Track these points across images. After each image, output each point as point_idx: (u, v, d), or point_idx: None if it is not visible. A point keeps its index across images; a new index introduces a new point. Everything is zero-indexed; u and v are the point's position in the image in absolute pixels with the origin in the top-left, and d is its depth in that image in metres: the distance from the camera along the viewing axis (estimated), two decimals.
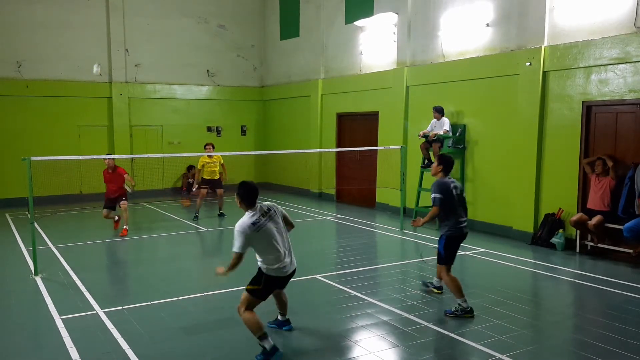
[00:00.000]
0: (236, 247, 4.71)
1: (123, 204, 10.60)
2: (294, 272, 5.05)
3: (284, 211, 5.13)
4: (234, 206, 4.92)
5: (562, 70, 9.14)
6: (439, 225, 6.20)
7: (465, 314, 5.84)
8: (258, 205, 4.91)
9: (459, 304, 5.88)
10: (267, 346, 4.68)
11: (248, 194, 4.89)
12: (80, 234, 10.79)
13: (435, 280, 6.71)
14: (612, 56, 8.41)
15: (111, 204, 10.76)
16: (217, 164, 12.40)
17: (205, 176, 12.39)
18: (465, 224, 6.20)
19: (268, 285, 4.91)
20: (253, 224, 4.75)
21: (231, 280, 7.40)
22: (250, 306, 4.85)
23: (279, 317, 5.56)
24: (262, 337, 4.71)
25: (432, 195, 6.12)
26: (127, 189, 10.82)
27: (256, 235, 4.74)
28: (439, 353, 5.04)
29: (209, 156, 12.10)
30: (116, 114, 15.63)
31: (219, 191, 12.47)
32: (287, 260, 4.91)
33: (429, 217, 6.10)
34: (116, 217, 10.94)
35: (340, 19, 14.64)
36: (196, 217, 12.37)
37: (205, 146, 12.24)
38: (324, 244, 10.14)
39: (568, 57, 9.00)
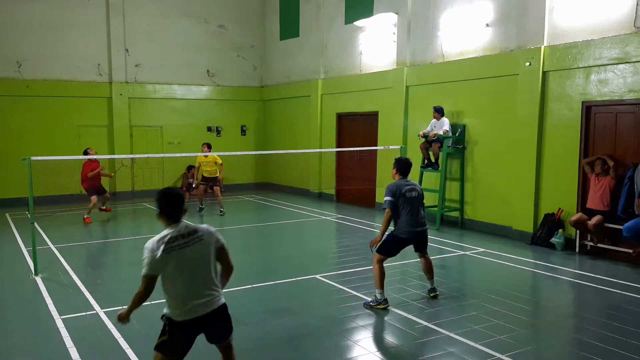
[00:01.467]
0: (143, 269, 3.57)
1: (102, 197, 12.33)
2: (215, 312, 3.66)
3: (224, 244, 3.77)
4: (233, 205, 4.93)
5: (562, 70, 9.15)
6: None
7: (379, 305, 6.07)
8: (184, 223, 3.62)
9: (375, 295, 6.14)
10: None
11: (167, 204, 3.61)
12: (80, 234, 10.79)
13: (429, 284, 6.64)
14: (611, 56, 8.41)
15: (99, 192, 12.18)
16: (213, 163, 12.79)
17: (204, 174, 12.98)
18: (420, 228, 6.24)
19: (173, 334, 3.59)
20: (166, 242, 3.48)
21: (231, 281, 7.42)
22: None
23: None
24: None
25: (384, 198, 6.20)
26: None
27: (164, 260, 3.47)
28: (439, 353, 5.04)
29: (205, 155, 12.45)
30: (116, 114, 15.64)
31: (216, 189, 12.88)
32: (199, 300, 3.57)
33: (383, 226, 6.18)
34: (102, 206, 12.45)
35: (340, 19, 14.65)
36: (200, 209, 13.05)
37: (202, 145, 12.80)
38: (324, 244, 10.15)
39: (568, 57, 9.00)
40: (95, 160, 11.94)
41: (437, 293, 6.56)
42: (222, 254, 3.76)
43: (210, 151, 12.41)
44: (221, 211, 12.72)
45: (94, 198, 11.91)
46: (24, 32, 14.39)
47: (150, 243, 3.54)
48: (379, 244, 6.24)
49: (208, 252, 3.64)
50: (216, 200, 13.10)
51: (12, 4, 14.19)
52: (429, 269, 6.54)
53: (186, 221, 3.68)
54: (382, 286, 6.11)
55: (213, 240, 3.68)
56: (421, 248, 6.51)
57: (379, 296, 6.11)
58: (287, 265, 8.22)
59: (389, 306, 6.11)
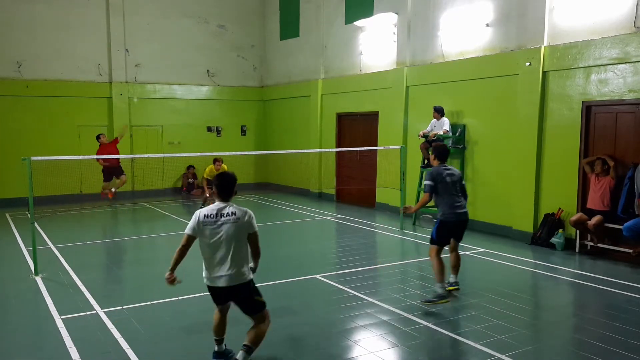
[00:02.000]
0: (187, 228, 4.35)
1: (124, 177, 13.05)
2: (233, 289, 4.30)
3: (256, 232, 4.42)
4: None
5: (562, 70, 9.15)
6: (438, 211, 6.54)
7: (440, 300, 6.03)
8: (230, 204, 4.36)
9: (435, 290, 6.11)
10: (217, 348, 4.69)
11: (219, 184, 4.42)
12: (80, 234, 10.79)
13: (451, 277, 6.74)
14: (611, 56, 8.41)
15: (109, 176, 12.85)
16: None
17: (212, 179, 12.62)
18: (461, 210, 6.40)
19: (210, 292, 4.47)
20: (206, 215, 4.26)
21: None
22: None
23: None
24: (217, 339, 4.67)
25: (424, 182, 6.44)
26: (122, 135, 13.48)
27: (201, 228, 4.27)
28: (439, 353, 5.04)
29: (217, 169, 12.29)
30: (116, 114, 15.64)
31: None
32: (221, 272, 4.28)
33: (419, 204, 6.65)
34: (113, 189, 12.80)
35: (340, 19, 14.65)
36: (203, 205, 12.85)
37: (215, 162, 12.47)
38: (324, 244, 10.14)
39: (568, 57, 9.00)
40: (109, 144, 12.91)
41: (458, 287, 6.66)
42: (252, 239, 4.37)
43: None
44: None
45: (123, 177, 12.99)
46: (24, 32, 14.39)
47: (199, 211, 4.31)
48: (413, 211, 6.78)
49: (239, 233, 4.25)
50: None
51: (12, 4, 14.19)
52: (457, 264, 6.71)
53: (232, 203, 4.35)
54: (443, 279, 6.14)
55: (247, 225, 4.28)
56: (461, 234, 6.62)
57: (440, 290, 6.08)
58: (287, 265, 8.22)
59: (449, 300, 6.12)
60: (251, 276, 4.42)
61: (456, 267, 6.73)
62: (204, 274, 4.35)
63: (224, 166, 12.60)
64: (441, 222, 6.40)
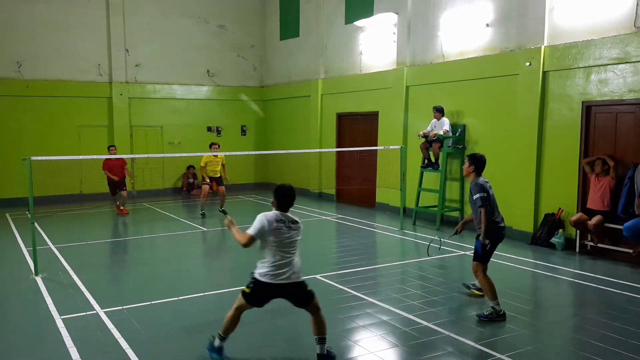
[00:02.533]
0: (250, 230, 4.65)
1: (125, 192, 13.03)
2: (295, 285, 4.74)
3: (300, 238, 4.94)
4: (233, 205, 4.94)
5: (562, 70, 9.14)
6: (476, 226, 6.04)
7: (498, 318, 5.72)
8: (289, 213, 4.81)
9: (492, 307, 5.77)
10: (217, 344, 4.80)
11: (282, 198, 4.80)
12: (80, 234, 10.79)
13: (478, 282, 6.56)
14: (611, 56, 8.41)
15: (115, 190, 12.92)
16: (220, 163, 12.66)
17: (209, 174, 12.64)
18: (503, 224, 6.05)
19: (257, 290, 4.68)
20: (277, 220, 4.68)
21: (231, 280, 7.43)
22: (239, 309, 4.75)
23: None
24: (224, 336, 4.78)
25: (476, 196, 5.86)
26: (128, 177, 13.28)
27: (272, 232, 4.62)
28: (439, 353, 5.04)
29: (214, 155, 12.30)
30: (116, 114, 15.64)
31: (222, 189, 12.73)
32: (286, 270, 4.68)
33: (485, 222, 5.79)
34: (122, 207, 12.95)
35: (340, 19, 14.65)
36: (203, 214, 12.68)
37: (211, 145, 12.48)
38: (324, 244, 10.14)
39: (568, 57, 9.00)
40: (118, 161, 12.75)
41: (476, 291, 6.53)
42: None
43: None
44: (223, 210, 12.73)
45: (124, 192, 13.02)
46: (24, 32, 14.39)
47: (264, 215, 4.67)
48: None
49: (296, 239, 4.82)
50: (216, 200, 13.09)
51: (12, 4, 14.19)
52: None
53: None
54: (496, 296, 5.79)
55: (300, 233, 4.87)
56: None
57: (497, 307, 5.74)
58: None
59: (506, 319, 5.75)
60: None
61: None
62: (263, 272, 4.64)
63: (223, 157, 12.70)
64: (492, 237, 5.90)
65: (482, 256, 5.97)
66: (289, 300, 4.81)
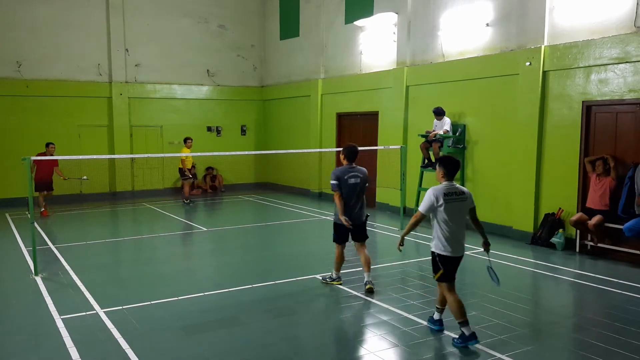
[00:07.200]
0: (421, 208, 4.98)
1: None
2: (461, 257, 5.14)
3: (475, 206, 5.21)
4: (233, 205, 4.90)
5: (562, 70, 9.14)
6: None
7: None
8: (455, 183, 5.06)
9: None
10: (467, 332, 4.97)
11: (449, 166, 5.03)
12: (80, 234, 10.78)
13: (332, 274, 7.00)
14: (612, 56, 8.41)
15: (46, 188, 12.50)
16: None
17: (188, 167, 14.51)
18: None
19: (446, 264, 5.03)
20: (445, 194, 4.90)
21: (231, 281, 7.43)
22: (450, 289, 5.10)
23: (435, 316, 5.46)
24: (463, 323, 4.99)
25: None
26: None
27: (440, 207, 4.88)
28: (439, 353, 5.03)
29: (188, 148, 13.96)
30: (116, 114, 15.64)
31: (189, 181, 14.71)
32: (460, 243, 5.07)
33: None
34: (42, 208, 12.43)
35: (340, 19, 14.64)
36: (190, 202, 14.25)
37: (186, 140, 14.12)
38: (324, 244, 10.12)
39: (568, 57, 9.00)
40: (52, 162, 12.35)
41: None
42: (473, 213, 5.22)
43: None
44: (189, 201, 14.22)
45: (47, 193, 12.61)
46: (24, 32, 14.39)
47: (433, 190, 4.92)
48: None
49: (466, 210, 5.09)
50: (216, 200, 13.18)
51: (12, 4, 14.18)
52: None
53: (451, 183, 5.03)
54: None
55: (470, 202, 5.10)
56: None
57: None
58: (287, 265, 8.22)
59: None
60: None
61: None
62: (441, 246, 4.98)
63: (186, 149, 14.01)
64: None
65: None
66: None
